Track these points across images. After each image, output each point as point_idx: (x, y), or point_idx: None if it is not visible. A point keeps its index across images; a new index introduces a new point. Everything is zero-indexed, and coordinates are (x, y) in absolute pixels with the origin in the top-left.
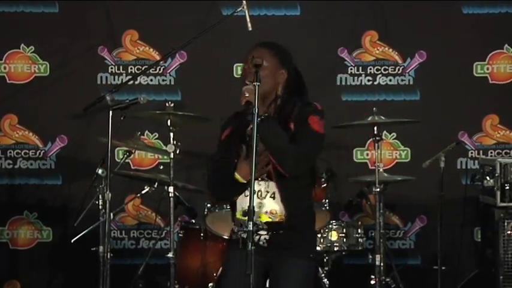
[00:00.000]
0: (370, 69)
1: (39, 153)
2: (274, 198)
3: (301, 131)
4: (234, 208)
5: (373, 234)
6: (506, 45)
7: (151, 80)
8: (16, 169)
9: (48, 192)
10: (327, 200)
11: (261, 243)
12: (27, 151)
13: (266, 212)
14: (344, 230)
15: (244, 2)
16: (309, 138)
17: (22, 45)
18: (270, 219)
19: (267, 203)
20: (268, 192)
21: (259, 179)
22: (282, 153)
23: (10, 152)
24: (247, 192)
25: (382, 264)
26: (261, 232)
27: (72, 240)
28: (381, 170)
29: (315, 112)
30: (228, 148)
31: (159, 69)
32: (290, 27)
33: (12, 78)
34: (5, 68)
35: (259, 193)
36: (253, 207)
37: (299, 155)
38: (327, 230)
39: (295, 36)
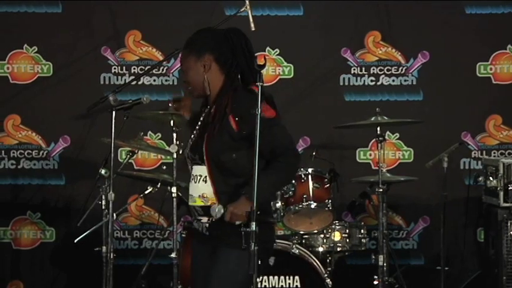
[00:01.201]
0: (373, 69)
1: (43, 154)
2: (205, 181)
3: (264, 132)
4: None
5: (376, 234)
6: (509, 46)
7: (154, 81)
8: (19, 169)
9: (52, 193)
10: (330, 201)
11: (204, 231)
12: (30, 151)
13: (199, 196)
14: (347, 231)
15: (247, 2)
16: (275, 133)
17: (25, 45)
18: (202, 203)
19: (200, 187)
20: (201, 176)
21: (193, 163)
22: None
23: (13, 152)
24: (191, 177)
25: (385, 264)
26: (203, 220)
27: (76, 241)
28: (384, 170)
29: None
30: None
31: (162, 70)
32: (293, 28)
33: (15, 78)
34: (8, 68)
35: (196, 178)
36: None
37: (287, 162)
38: (330, 231)
39: (298, 36)
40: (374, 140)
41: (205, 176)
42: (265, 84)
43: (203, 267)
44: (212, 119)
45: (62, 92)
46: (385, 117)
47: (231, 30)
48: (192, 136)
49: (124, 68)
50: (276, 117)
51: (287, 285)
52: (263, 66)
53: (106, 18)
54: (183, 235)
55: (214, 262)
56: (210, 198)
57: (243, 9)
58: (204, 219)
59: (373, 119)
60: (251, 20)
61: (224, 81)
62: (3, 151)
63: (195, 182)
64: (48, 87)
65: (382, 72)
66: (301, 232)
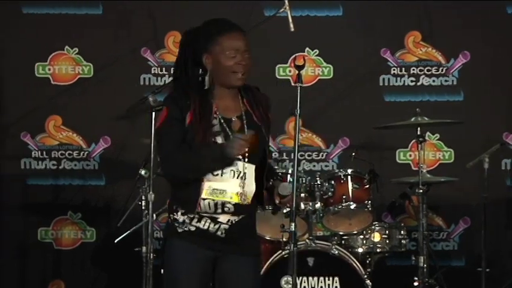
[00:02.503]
0: (413, 69)
1: (83, 154)
2: (244, 179)
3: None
4: (194, 186)
5: (416, 235)
6: None
7: None
8: (60, 170)
9: (92, 193)
10: (369, 201)
11: (219, 233)
12: (71, 152)
13: (238, 193)
14: (387, 231)
15: (286, 2)
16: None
17: (66, 46)
18: (240, 201)
19: (239, 184)
20: (240, 172)
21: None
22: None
23: (54, 153)
24: (216, 172)
25: (425, 265)
26: (221, 220)
27: (116, 241)
28: (424, 171)
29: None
30: (195, 131)
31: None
32: (332, 28)
33: (56, 79)
34: (49, 69)
35: (233, 173)
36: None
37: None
38: (369, 231)
39: (337, 37)
40: (414, 140)
41: (244, 174)
42: (304, 85)
43: (204, 274)
44: (256, 116)
45: (103, 92)
46: (425, 118)
47: None
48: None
49: (164, 68)
50: None
51: (326, 286)
52: (302, 66)
53: (145, 20)
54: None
55: (242, 272)
56: (248, 197)
57: (282, 9)
58: (224, 219)
59: (413, 119)
60: (290, 20)
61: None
62: (44, 152)
63: (231, 178)
64: (88, 88)
65: (422, 73)
66: (341, 233)
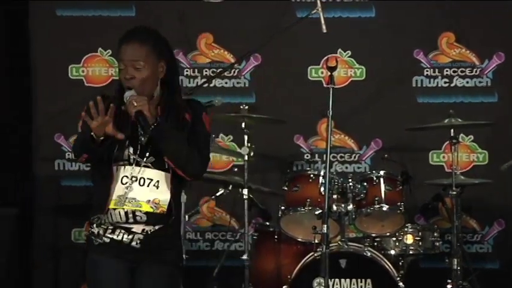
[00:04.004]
0: (447, 71)
1: None
2: (158, 187)
3: (199, 130)
4: (102, 194)
5: (449, 237)
6: None
7: (226, 83)
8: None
9: None
10: (402, 203)
11: (134, 243)
12: None
13: (149, 201)
14: (420, 234)
15: (319, 3)
16: (207, 139)
17: (100, 48)
18: (151, 210)
19: (149, 192)
20: (151, 180)
21: (132, 163)
22: (184, 158)
23: None
24: (124, 180)
25: (459, 268)
26: (135, 229)
27: None
28: (458, 173)
29: (205, 110)
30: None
31: (234, 72)
32: (365, 29)
33: (90, 81)
34: (83, 71)
35: (135, 179)
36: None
37: (201, 158)
38: (402, 233)
39: (370, 38)
40: (447, 142)
41: (158, 181)
42: (336, 87)
43: (121, 285)
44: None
45: None
46: (459, 120)
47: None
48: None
49: (196, 70)
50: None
51: None
52: (334, 68)
53: (178, 21)
54: (254, 237)
55: (147, 279)
56: (161, 205)
57: (314, 11)
58: (138, 228)
59: (446, 121)
60: (322, 21)
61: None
62: None
63: (140, 185)
64: None
65: (455, 74)
66: (373, 235)
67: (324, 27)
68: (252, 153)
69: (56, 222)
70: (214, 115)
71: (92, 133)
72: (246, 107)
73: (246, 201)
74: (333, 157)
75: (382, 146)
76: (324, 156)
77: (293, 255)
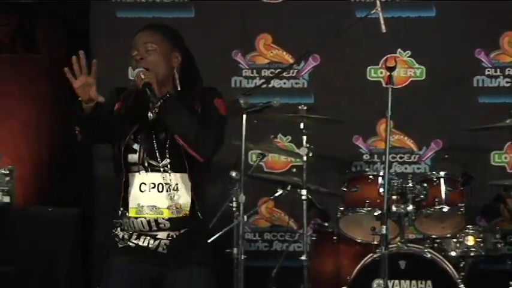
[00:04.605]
0: (509, 70)
1: None
2: (177, 190)
3: (210, 114)
4: (121, 203)
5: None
6: None
7: (284, 83)
8: None
9: None
10: (463, 204)
11: (160, 249)
12: None
13: (169, 207)
14: (481, 235)
15: (378, 3)
16: (219, 122)
17: None
18: (173, 215)
19: (169, 197)
20: (169, 184)
21: (149, 169)
22: (194, 133)
23: None
24: (143, 187)
25: None
26: (160, 236)
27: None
28: None
29: (220, 95)
30: (119, 122)
31: (293, 73)
32: (425, 29)
33: None
34: None
35: (154, 186)
36: (386, 210)
37: (213, 136)
38: (463, 235)
39: (430, 38)
40: (509, 142)
41: (177, 184)
42: (396, 87)
43: None
44: None
45: None
46: None
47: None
48: (137, 139)
49: (254, 71)
50: (225, 116)
51: None
52: (394, 68)
53: (237, 22)
54: (313, 238)
55: (193, 283)
56: (183, 209)
57: (373, 11)
58: (163, 235)
59: (508, 121)
60: (382, 21)
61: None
62: None
63: (159, 191)
64: None
65: None
66: (433, 236)
67: (383, 27)
68: (310, 154)
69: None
70: (273, 116)
71: (80, 98)
72: (305, 108)
73: (304, 201)
74: (392, 158)
75: (442, 147)
76: (383, 156)
77: (352, 256)
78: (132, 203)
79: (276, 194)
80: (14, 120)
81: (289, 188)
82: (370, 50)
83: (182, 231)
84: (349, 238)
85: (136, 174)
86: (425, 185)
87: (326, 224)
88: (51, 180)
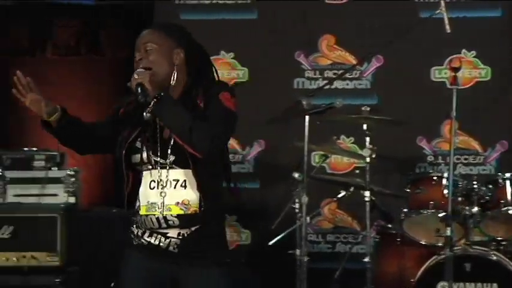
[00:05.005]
0: None
1: (239, 157)
2: (185, 187)
3: (213, 108)
4: (133, 201)
5: None
6: None
7: (347, 84)
8: None
9: (247, 196)
10: None
11: (171, 248)
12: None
13: (178, 203)
14: None
15: (442, 4)
16: (222, 115)
17: (222, 51)
18: (182, 212)
19: (177, 193)
20: (177, 180)
21: (156, 167)
22: (188, 130)
23: None
24: (152, 184)
25: None
26: (171, 234)
27: (270, 243)
28: None
29: (226, 88)
30: (121, 125)
31: (356, 73)
32: (490, 29)
33: None
34: None
35: (162, 182)
36: (451, 211)
37: (209, 131)
38: None
39: (495, 38)
40: None
41: (184, 181)
42: (460, 87)
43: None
44: None
45: (257, 96)
46: None
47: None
48: (141, 136)
49: (317, 72)
50: (236, 112)
51: None
52: (458, 69)
53: (299, 23)
54: (376, 239)
55: (191, 283)
56: (192, 205)
57: (438, 11)
58: (173, 233)
59: None
60: (446, 22)
61: (186, 82)
62: None
63: (167, 188)
64: (244, 92)
65: None
66: (499, 238)
67: (447, 27)
68: (373, 155)
69: None
70: (336, 117)
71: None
72: (368, 109)
73: (367, 203)
74: (457, 159)
75: (508, 148)
76: (448, 158)
77: (416, 258)
78: (142, 201)
79: (339, 196)
80: None
81: (352, 189)
82: (434, 51)
83: (193, 228)
84: (412, 240)
85: (146, 172)
86: (490, 186)
87: (389, 226)
88: (116, 182)
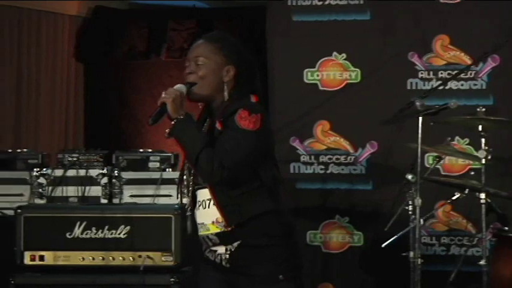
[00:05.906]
0: None
1: (350, 159)
2: (215, 205)
3: (225, 132)
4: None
5: None
6: None
7: (461, 85)
8: (328, 174)
9: (359, 197)
10: None
11: (223, 263)
12: (338, 156)
13: (213, 222)
14: None
15: None
16: (231, 137)
17: (334, 53)
18: (219, 229)
19: (212, 212)
20: (210, 199)
21: (200, 187)
22: (195, 158)
23: (322, 158)
24: (198, 204)
25: None
26: (219, 250)
27: (383, 245)
28: None
29: (246, 106)
30: None
31: (470, 74)
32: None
33: (324, 85)
34: (318, 75)
35: (201, 203)
36: None
37: (215, 159)
38: None
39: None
40: None
41: (210, 200)
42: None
43: None
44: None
45: (370, 97)
46: None
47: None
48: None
49: (431, 73)
50: (252, 130)
51: None
52: None
53: (413, 23)
54: (492, 242)
55: None
56: (223, 222)
57: None
58: (221, 250)
59: None
60: None
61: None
62: (312, 156)
63: (204, 208)
64: (356, 93)
65: None
66: None
67: None
68: (489, 157)
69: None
70: (450, 118)
71: None
72: (483, 110)
73: (483, 205)
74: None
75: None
76: None
77: None
78: (197, 221)
79: (454, 198)
80: None
81: (467, 191)
82: None
83: (236, 244)
84: None
85: (197, 192)
86: None
87: (506, 229)
88: None
